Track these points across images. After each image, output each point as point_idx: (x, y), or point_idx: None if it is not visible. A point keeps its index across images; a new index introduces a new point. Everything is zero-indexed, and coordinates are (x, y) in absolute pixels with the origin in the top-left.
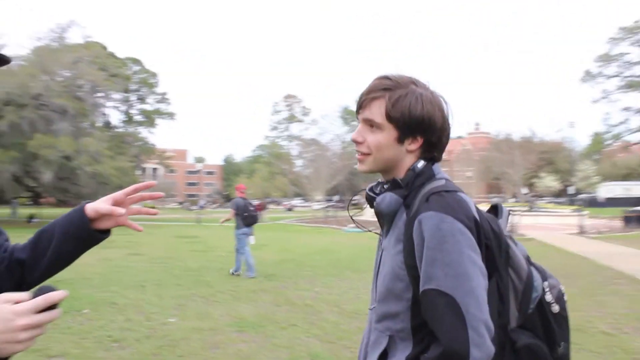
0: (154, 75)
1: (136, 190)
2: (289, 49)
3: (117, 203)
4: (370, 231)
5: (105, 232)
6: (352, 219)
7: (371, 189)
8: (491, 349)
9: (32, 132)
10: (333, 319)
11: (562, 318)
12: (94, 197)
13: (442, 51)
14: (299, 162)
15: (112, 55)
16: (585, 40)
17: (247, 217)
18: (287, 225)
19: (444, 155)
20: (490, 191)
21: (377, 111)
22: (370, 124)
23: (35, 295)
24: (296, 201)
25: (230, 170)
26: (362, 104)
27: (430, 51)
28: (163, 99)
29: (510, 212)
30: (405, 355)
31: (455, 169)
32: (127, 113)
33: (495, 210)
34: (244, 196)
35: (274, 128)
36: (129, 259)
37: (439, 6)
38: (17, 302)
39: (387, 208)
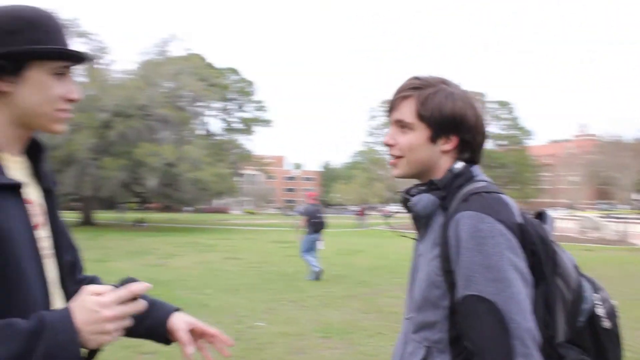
0: (250, 83)
1: (215, 340)
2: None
3: (196, 333)
4: (405, 236)
5: (167, 341)
6: (387, 223)
7: (407, 191)
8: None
9: (138, 141)
10: None
11: (614, 335)
12: (195, 202)
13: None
14: None
15: (210, 65)
16: None
17: (315, 223)
18: (383, 231)
19: (549, 160)
20: (597, 197)
21: (407, 111)
22: (401, 125)
23: (120, 287)
24: (394, 207)
25: (328, 177)
26: (392, 106)
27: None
28: (260, 106)
29: (612, 217)
30: None
31: (559, 174)
32: (226, 121)
33: (540, 216)
34: (314, 202)
35: (371, 134)
36: (226, 263)
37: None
38: (101, 295)
39: (423, 210)
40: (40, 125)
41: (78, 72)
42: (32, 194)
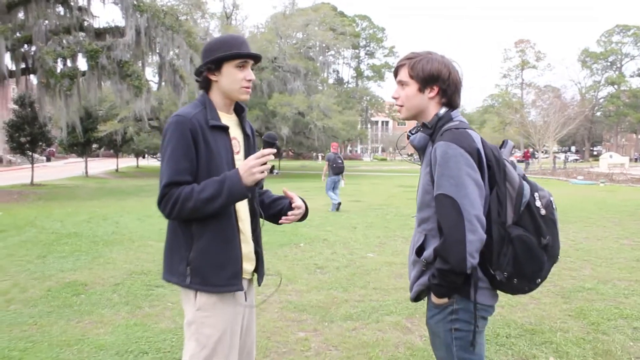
0: (382, 30)
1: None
2: None
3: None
4: (414, 162)
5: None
6: (400, 153)
7: (410, 132)
8: (483, 235)
9: (270, 92)
10: None
11: (550, 219)
12: (324, 149)
13: None
14: (532, 112)
15: (341, 14)
16: None
17: (335, 168)
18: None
19: None
20: None
21: (404, 73)
22: (401, 83)
23: (263, 140)
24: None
25: None
26: (395, 72)
27: None
28: (391, 52)
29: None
30: (435, 246)
31: None
32: (356, 69)
33: (503, 144)
34: (335, 152)
35: (505, 76)
36: (349, 205)
37: None
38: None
39: (418, 144)
40: (234, 97)
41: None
42: (236, 134)
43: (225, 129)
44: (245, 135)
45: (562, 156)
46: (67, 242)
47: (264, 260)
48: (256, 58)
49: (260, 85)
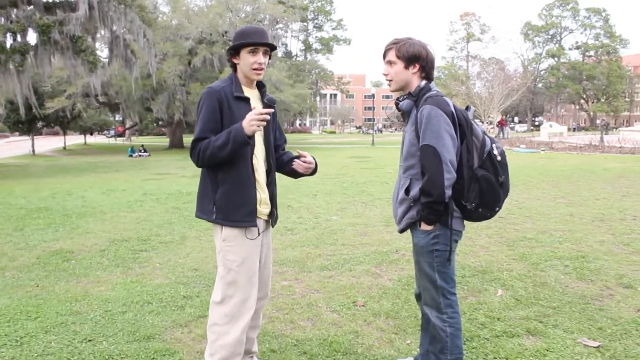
0: (329, 2)
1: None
2: None
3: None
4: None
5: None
6: (396, 119)
7: (398, 99)
8: (453, 174)
9: (221, 67)
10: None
11: (504, 164)
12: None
13: None
14: (477, 83)
15: None
16: None
17: None
18: None
19: None
20: None
21: (392, 54)
22: (390, 62)
23: (263, 102)
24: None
25: None
26: (384, 54)
27: None
28: (339, 25)
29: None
30: (419, 187)
31: None
32: (305, 42)
33: (467, 108)
34: None
35: (451, 48)
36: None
37: None
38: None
39: (405, 108)
40: (249, 76)
41: (162, 3)
42: (256, 105)
43: (246, 100)
44: (265, 106)
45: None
46: (40, 216)
47: (277, 206)
48: (268, 45)
49: (212, 59)
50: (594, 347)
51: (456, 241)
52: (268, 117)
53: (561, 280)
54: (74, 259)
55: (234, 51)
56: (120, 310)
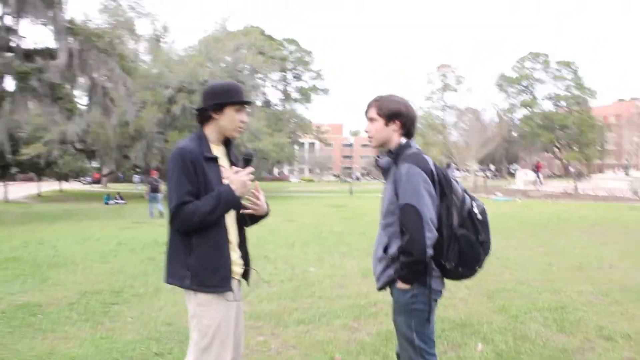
0: (308, 53)
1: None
2: (443, 14)
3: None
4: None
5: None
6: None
7: (377, 156)
8: (435, 233)
9: None
10: None
11: (484, 222)
12: (255, 173)
13: None
14: (454, 133)
15: (269, 37)
16: None
17: (154, 188)
18: None
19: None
20: None
21: (372, 112)
22: (371, 119)
23: (244, 158)
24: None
25: None
26: (366, 111)
27: None
28: (318, 75)
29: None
30: (398, 245)
31: (623, 135)
32: (284, 92)
33: (447, 165)
34: (155, 177)
35: (428, 98)
36: (283, 225)
37: None
38: (238, 174)
39: (385, 165)
40: (229, 134)
41: (143, 52)
42: (224, 163)
43: (215, 160)
44: (231, 163)
45: (481, 174)
46: (8, 267)
47: (250, 264)
48: (250, 104)
49: (191, 107)
50: None
51: (436, 300)
52: (252, 176)
53: (541, 334)
54: (42, 313)
55: (219, 107)
56: None
